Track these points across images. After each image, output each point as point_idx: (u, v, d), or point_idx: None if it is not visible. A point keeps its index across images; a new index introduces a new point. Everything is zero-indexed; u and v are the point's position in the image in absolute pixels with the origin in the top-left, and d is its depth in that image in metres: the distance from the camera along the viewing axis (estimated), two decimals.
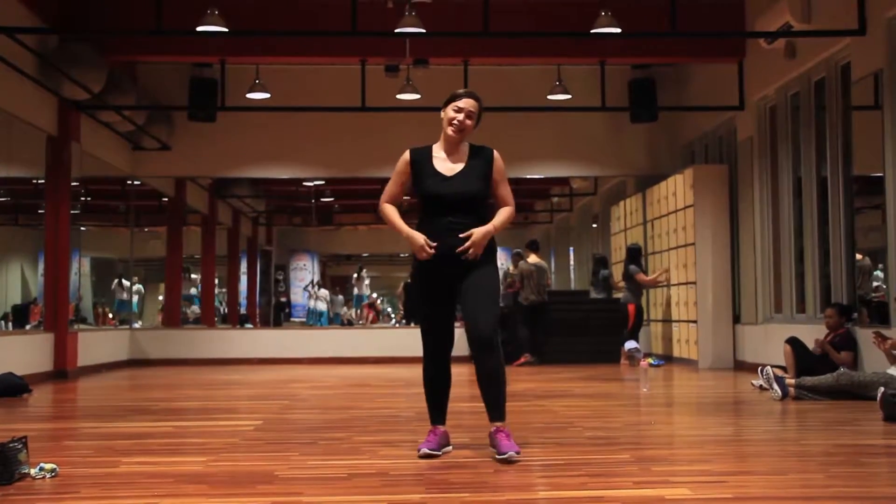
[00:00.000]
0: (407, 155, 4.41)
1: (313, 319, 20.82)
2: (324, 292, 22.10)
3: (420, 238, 4.23)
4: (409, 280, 19.55)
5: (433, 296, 4.33)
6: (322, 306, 21.48)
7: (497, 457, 4.14)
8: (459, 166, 4.34)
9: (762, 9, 9.82)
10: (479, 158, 4.37)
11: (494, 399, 4.26)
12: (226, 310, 19.08)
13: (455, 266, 4.27)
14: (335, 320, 21.70)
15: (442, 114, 4.39)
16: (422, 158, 4.37)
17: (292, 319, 22.24)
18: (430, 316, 4.34)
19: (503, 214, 4.37)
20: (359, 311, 22.80)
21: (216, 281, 17.77)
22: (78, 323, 11.11)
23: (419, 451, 4.27)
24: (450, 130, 4.34)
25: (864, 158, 8.34)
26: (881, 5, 7.83)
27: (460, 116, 4.32)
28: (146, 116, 11.96)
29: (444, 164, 4.35)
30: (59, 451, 4.69)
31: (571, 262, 20.23)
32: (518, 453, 4.11)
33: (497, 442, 4.17)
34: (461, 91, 4.40)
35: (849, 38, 8.29)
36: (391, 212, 4.41)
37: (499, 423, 4.23)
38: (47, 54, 9.56)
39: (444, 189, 4.29)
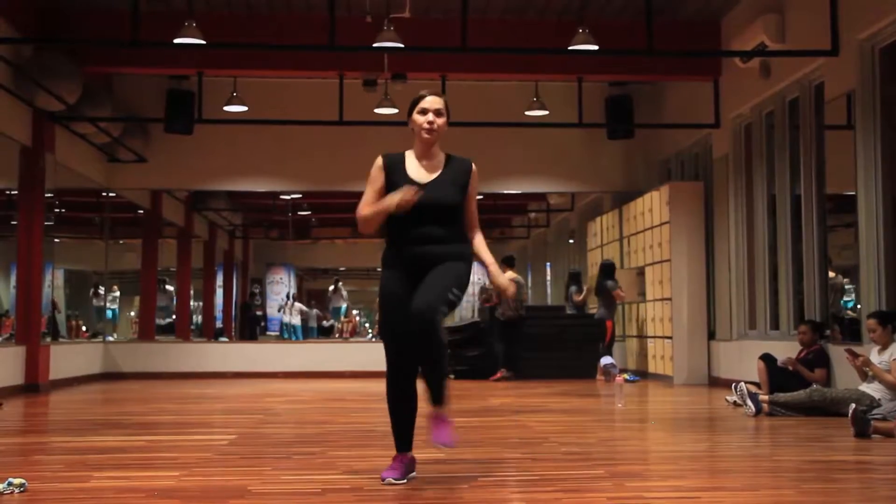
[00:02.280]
0: (380, 160, 4.16)
1: (287, 333, 20.74)
2: (298, 306, 22.04)
3: (398, 192, 3.98)
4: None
5: (400, 305, 4.02)
6: (297, 320, 21.41)
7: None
8: (435, 174, 4.14)
9: (738, 28, 9.94)
10: (457, 168, 4.19)
11: (432, 383, 4.02)
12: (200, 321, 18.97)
13: (426, 272, 4.03)
14: (311, 333, 21.64)
15: (410, 123, 4.20)
16: (395, 164, 4.17)
17: (268, 333, 22.16)
18: (395, 325, 4.04)
19: (484, 242, 4.26)
20: (338, 325, 22.76)
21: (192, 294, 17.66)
22: (50, 336, 10.99)
23: (383, 478, 4.00)
24: (424, 134, 4.12)
25: (837, 177, 8.44)
26: (854, 27, 7.94)
27: (429, 117, 4.11)
28: (122, 128, 11.89)
29: (419, 172, 4.15)
30: (29, 466, 4.63)
31: (548, 278, 20.28)
32: (447, 444, 3.96)
33: (431, 427, 4.01)
34: (421, 92, 4.22)
35: (822, 58, 8.40)
36: (370, 205, 4.10)
37: (438, 408, 4.01)
38: (22, 64, 9.48)
39: (419, 197, 4.01)
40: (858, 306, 7.99)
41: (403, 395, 4.11)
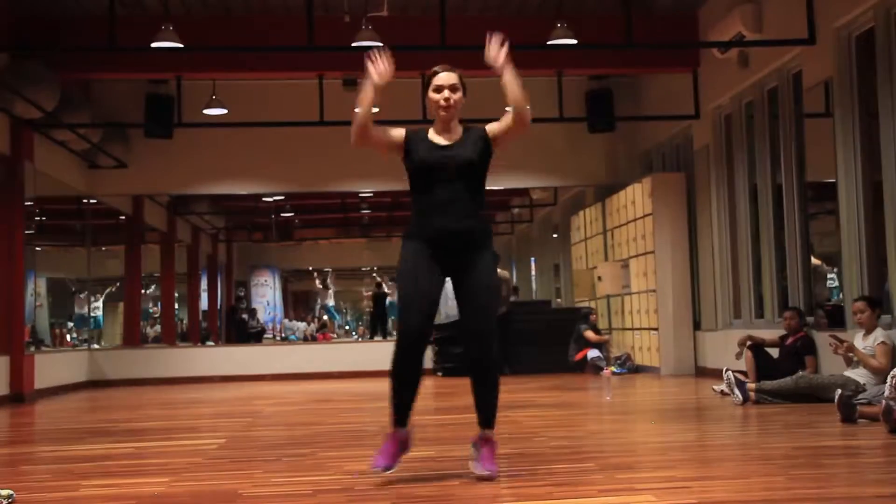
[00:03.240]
0: (403, 130, 4.21)
1: (287, 334, 20.76)
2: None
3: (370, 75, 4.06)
4: (376, 290, 19.59)
5: (422, 276, 4.04)
6: (299, 325, 21.45)
7: (476, 472, 4.03)
8: (455, 142, 4.17)
9: (715, 19, 9.98)
10: (474, 133, 4.19)
11: (486, 405, 4.16)
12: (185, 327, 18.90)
13: (451, 255, 4.06)
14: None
15: (426, 101, 4.23)
16: (416, 136, 4.19)
17: (266, 337, 22.15)
18: (414, 297, 4.04)
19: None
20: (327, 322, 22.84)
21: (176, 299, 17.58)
22: (35, 345, 10.91)
23: (375, 466, 4.00)
24: (440, 112, 4.14)
25: (817, 165, 8.49)
26: (830, 15, 7.99)
27: (445, 94, 4.15)
28: (101, 134, 11.82)
29: (439, 139, 4.17)
30: (16, 476, 4.60)
31: (533, 273, 20.32)
32: (491, 472, 3.99)
33: (479, 456, 4.07)
34: (435, 69, 4.25)
35: (799, 47, 8.45)
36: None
37: (487, 431, 4.13)
38: None
39: (438, 156, 4.08)
40: (841, 295, 8.05)
41: (412, 366, 4.08)
